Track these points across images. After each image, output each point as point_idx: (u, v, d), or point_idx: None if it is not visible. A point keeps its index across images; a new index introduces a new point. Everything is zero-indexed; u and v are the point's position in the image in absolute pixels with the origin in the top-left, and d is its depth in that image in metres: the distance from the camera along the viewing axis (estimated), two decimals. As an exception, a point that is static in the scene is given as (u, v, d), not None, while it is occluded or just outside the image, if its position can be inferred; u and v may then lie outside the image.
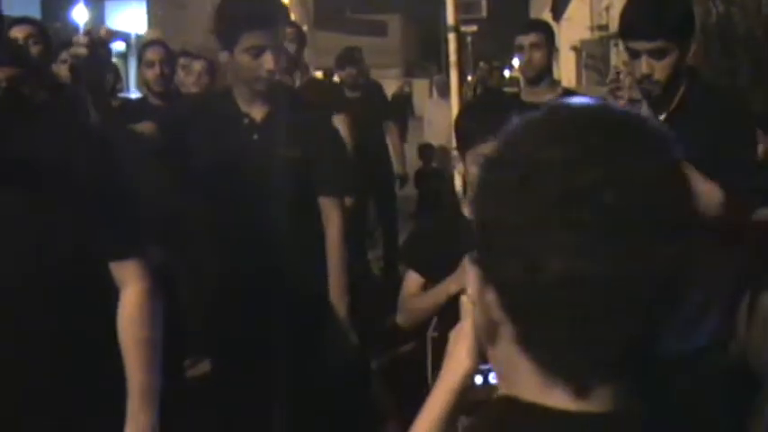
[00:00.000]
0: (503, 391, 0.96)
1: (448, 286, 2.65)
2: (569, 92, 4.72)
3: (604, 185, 0.83)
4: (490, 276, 0.91)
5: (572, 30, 23.94)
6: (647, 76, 2.74)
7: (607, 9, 21.86)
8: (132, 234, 2.30)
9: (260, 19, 3.04)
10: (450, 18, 4.35)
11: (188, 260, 3.69)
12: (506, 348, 0.93)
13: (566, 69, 21.83)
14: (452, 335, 1.25)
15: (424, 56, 30.21)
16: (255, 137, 3.16)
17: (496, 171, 0.90)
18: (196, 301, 3.68)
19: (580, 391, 0.89)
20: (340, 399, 3.41)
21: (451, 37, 4.40)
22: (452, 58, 4.33)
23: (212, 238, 3.30)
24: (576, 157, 0.85)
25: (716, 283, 2.36)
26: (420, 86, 25.01)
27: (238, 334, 3.18)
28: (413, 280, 2.86)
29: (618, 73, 2.91)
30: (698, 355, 1.98)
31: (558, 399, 0.89)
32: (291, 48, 4.53)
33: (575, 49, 23.59)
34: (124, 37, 17.79)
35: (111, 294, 2.24)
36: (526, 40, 4.49)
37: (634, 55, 2.77)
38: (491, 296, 0.91)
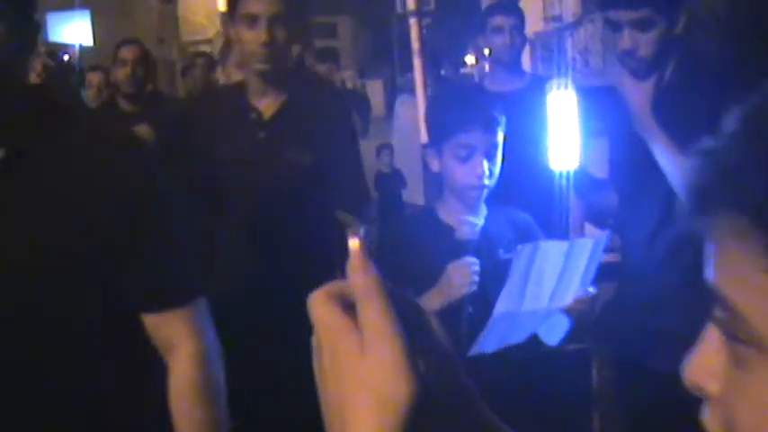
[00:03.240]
0: None
1: (431, 300, 2.29)
2: (538, 78, 4.44)
3: None
4: None
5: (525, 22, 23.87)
6: (630, 52, 2.45)
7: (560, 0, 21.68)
8: (180, 276, 1.73)
9: None
10: (411, 2, 4.07)
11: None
12: None
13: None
14: None
15: (377, 56, 30.07)
16: (262, 135, 2.76)
17: None
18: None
19: None
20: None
21: (413, 22, 4.10)
22: (414, 45, 4.02)
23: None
24: None
25: None
26: (373, 87, 24.81)
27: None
28: None
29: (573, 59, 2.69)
30: None
31: None
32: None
33: (529, 41, 23.54)
34: (68, 50, 17.44)
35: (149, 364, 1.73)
36: (506, 21, 4.05)
37: (615, 27, 2.47)
38: None
